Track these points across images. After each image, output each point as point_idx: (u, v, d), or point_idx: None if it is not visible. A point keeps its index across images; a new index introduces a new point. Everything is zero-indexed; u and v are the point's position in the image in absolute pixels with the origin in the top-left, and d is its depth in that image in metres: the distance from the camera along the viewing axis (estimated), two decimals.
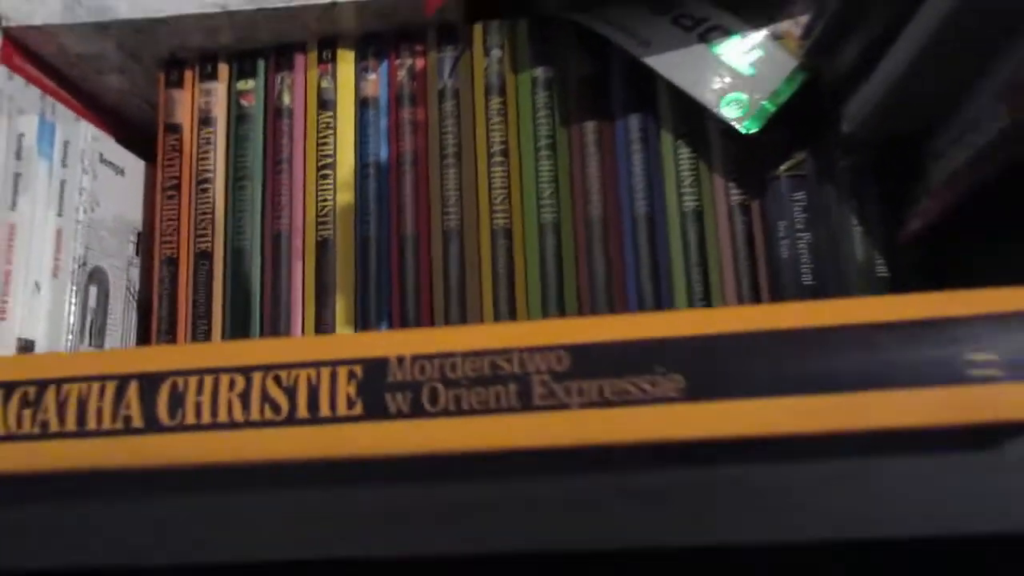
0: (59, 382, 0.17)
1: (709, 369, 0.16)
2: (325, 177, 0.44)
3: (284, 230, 0.44)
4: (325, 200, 0.44)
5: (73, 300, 0.41)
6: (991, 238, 0.34)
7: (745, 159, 0.40)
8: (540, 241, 0.42)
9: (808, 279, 0.39)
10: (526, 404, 0.16)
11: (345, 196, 0.44)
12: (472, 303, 0.42)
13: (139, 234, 0.47)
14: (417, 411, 0.17)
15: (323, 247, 0.43)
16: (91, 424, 0.17)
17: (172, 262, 0.44)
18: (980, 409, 0.15)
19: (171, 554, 0.17)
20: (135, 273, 0.47)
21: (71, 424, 0.17)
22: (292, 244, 0.43)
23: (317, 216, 0.44)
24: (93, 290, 0.43)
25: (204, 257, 0.44)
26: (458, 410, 0.16)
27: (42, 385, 0.17)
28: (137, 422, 0.17)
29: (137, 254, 0.47)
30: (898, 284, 0.38)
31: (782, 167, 0.40)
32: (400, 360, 0.17)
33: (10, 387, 0.17)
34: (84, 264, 0.42)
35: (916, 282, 0.37)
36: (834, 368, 0.16)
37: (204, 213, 0.44)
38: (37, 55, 0.45)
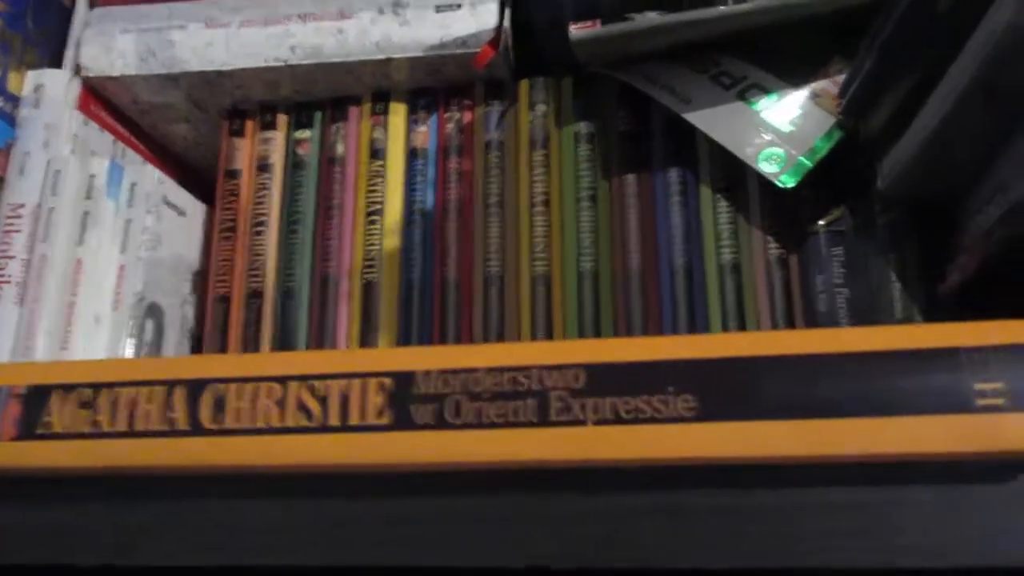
0: (112, 385, 0.18)
1: (720, 391, 0.17)
2: (373, 223, 0.46)
3: (332, 272, 0.45)
4: (372, 244, 0.45)
5: (130, 334, 0.43)
6: None
7: (784, 214, 0.41)
8: (579, 289, 0.42)
9: None
10: (544, 419, 0.17)
11: (392, 241, 0.45)
12: None
13: (196, 273, 0.49)
14: (441, 423, 0.17)
15: (369, 289, 0.45)
16: (139, 426, 0.18)
17: (225, 300, 0.46)
18: (985, 438, 0.16)
19: (186, 556, 0.18)
20: (190, 311, 0.49)
21: (122, 425, 0.18)
22: (339, 286, 0.45)
23: (364, 260, 0.45)
24: (149, 325, 0.45)
25: (255, 296, 0.46)
26: (479, 423, 0.17)
27: (97, 388, 0.18)
28: (182, 425, 0.18)
29: (193, 292, 0.49)
30: None
31: (820, 222, 0.40)
32: (427, 374, 0.18)
33: (68, 388, 0.19)
34: (142, 299, 0.44)
35: None
36: (842, 394, 0.16)
37: (257, 254, 0.46)
38: (112, 104, 0.48)
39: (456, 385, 0.18)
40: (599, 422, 0.17)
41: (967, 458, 0.16)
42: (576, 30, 0.39)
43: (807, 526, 0.17)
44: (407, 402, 0.18)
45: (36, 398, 0.19)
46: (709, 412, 0.16)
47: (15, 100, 0.45)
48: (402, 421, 0.18)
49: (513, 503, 0.18)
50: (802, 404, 0.16)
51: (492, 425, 0.17)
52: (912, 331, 0.17)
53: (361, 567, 0.17)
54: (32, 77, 0.45)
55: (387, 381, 0.18)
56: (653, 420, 0.17)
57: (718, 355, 0.17)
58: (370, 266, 0.45)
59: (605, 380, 0.17)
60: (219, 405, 0.18)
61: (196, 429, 0.18)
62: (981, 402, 0.16)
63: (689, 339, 0.17)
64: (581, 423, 0.17)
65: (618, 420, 0.17)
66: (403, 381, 0.18)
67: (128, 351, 0.43)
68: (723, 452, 0.16)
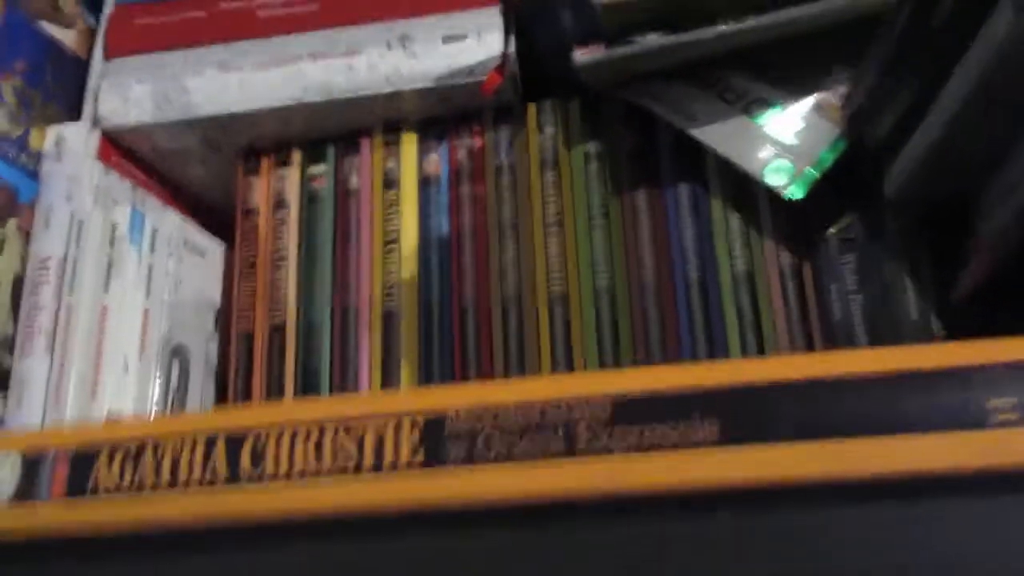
0: (156, 440, 0.19)
1: (743, 416, 0.17)
2: (390, 252, 0.46)
3: (352, 303, 0.46)
4: (391, 274, 0.46)
5: (157, 376, 0.44)
6: None
7: (794, 223, 0.41)
8: (595, 307, 0.43)
9: (862, 339, 0.39)
10: (572, 450, 0.18)
11: (409, 269, 0.46)
12: (531, 368, 0.43)
13: (218, 311, 0.50)
14: (473, 458, 0.18)
15: (389, 318, 0.45)
16: (183, 476, 0.19)
17: (248, 337, 0.47)
18: (1000, 454, 0.16)
19: None
20: (213, 348, 0.50)
21: (166, 479, 0.19)
22: (360, 316, 0.46)
23: (383, 289, 0.46)
24: (175, 366, 0.46)
25: (277, 331, 0.46)
26: (510, 457, 0.18)
27: (142, 445, 0.19)
28: (224, 474, 0.19)
29: (216, 330, 0.50)
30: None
31: (831, 230, 0.41)
32: (457, 412, 0.18)
33: (114, 447, 0.19)
34: (168, 342, 0.45)
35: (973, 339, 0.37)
36: (859, 414, 0.17)
37: (278, 289, 0.47)
38: (131, 151, 0.49)
39: (486, 421, 0.18)
40: (626, 451, 0.17)
41: (984, 474, 0.17)
42: (580, 55, 0.40)
43: (835, 546, 0.17)
44: (440, 440, 0.19)
45: (83, 459, 0.20)
46: (732, 437, 0.17)
47: (37, 156, 0.46)
48: (436, 459, 0.18)
49: (548, 536, 0.18)
50: (822, 426, 0.17)
51: (522, 458, 0.18)
52: (927, 351, 0.18)
53: None
54: (53, 132, 0.46)
55: (420, 420, 0.19)
56: (678, 447, 0.17)
57: (740, 381, 0.17)
58: (389, 295, 0.46)
59: (631, 410, 0.18)
60: (259, 454, 0.19)
61: (237, 479, 0.19)
62: (996, 418, 0.17)
63: (711, 366, 0.18)
64: (609, 453, 0.17)
65: (644, 448, 0.17)
66: (435, 420, 0.19)
67: (156, 393, 0.44)
68: (747, 476, 0.17)
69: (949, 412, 0.17)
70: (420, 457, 0.18)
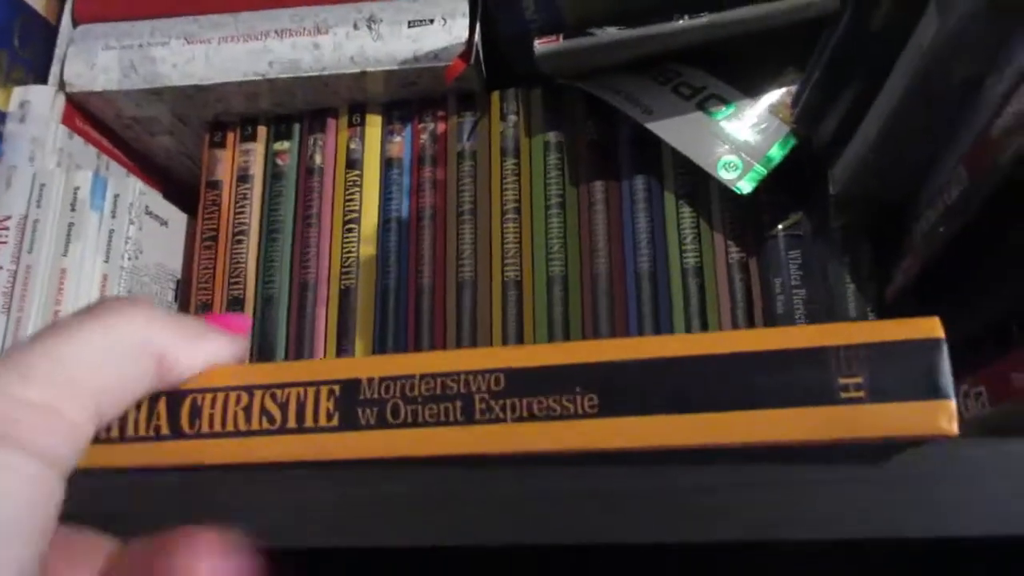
0: None
1: (617, 390, 0.19)
2: (350, 231, 0.47)
3: (311, 279, 0.47)
4: (349, 252, 0.47)
5: None
6: (975, 290, 0.36)
7: (744, 219, 0.43)
8: (548, 293, 0.44)
9: None
10: (469, 418, 0.19)
11: (368, 248, 0.47)
12: None
13: (178, 281, 0.51)
14: (382, 423, 0.20)
15: (346, 295, 0.46)
16: (130, 432, 0.21)
17: (207, 308, 0.47)
18: (846, 427, 0.18)
19: None
20: None
21: (115, 432, 0.21)
22: (317, 292, 0.47)
23: (341, 267, 0.47)
24: None
25: (236, 303, 0.47)
26: (415, 422, 0.20)
27: None
28: (165, 430, 0.21)
29: (176, 300, 0.50)
30: None
31: (779, 226, 0.42)
32: (370, 381, 0.20)
33: None
34: None
35: None
36: (721, 390, 0.19)
37: (238, 263, 0.48)
38: (96, 117, 0.50)
39: (395, 390, 0.20)
40: (516, 419, 0.19)
41: (832, 444, 0.19)
42: (540, 45, 0.41)
43: (702, 504, 0.19)
44: (353, 406, 0.20)
45: None
46: (609, 409, 0.19)
47: (2, 116, 0.46)
48: (349, 423, 0.20)
49: (449, 490, 0.20)
50: (689, 400, 0.19)
51: (425, 424, 0.20)
52: (786, 332, 0.19)
53: (316, 548, 0.20)
54: (18, 93, 0.47)
55: (336, 388, 0.20)
56: (562, 417, 0.19)
57: (617, 358, 0.19)
58: (347, 273, 0.47)
59: (521, 383, 0.19)
60: (196, 412, 0.21)
61: (177, 434, 0.21)
62: (844, 395, 0.18)
63: (592, 344, 0.19)
64: (501, 421, 0.19)
65: (532, 418, 0.19)
66: (350, 387, 0.20)
67: None
68: (621, 444, 0.19)
69: (804, 388, 0.18)
70: (335, 422, 0.20)
